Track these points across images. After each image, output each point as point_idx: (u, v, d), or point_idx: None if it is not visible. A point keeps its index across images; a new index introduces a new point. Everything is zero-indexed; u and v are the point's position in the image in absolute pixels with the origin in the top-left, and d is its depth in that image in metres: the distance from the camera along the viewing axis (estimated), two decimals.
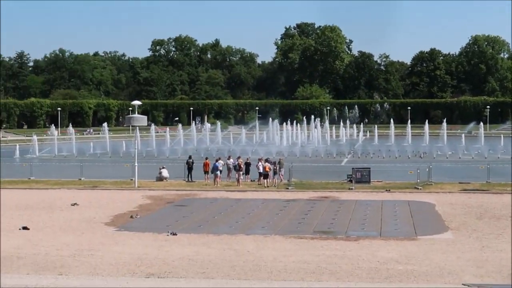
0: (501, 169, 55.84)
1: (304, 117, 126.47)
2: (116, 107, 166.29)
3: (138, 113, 50.89)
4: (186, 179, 48.19)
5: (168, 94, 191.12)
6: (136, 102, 51.42)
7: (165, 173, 48.22)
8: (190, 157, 50.26)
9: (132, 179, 45.44)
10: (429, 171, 45.48)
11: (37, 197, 39.44)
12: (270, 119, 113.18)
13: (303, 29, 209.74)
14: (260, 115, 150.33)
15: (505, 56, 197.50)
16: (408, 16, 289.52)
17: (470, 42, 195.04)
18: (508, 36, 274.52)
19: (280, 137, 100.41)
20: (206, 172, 47.15)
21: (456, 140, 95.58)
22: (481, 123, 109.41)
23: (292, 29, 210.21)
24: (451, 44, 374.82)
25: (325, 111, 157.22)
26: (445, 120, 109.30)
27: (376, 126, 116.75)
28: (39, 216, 31.81)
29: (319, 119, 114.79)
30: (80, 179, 47.81)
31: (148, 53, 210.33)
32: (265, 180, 44.86)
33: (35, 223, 29.63)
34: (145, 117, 48.78)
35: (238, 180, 45.60)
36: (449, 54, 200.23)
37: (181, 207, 35.51)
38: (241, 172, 45.94)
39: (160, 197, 39.53)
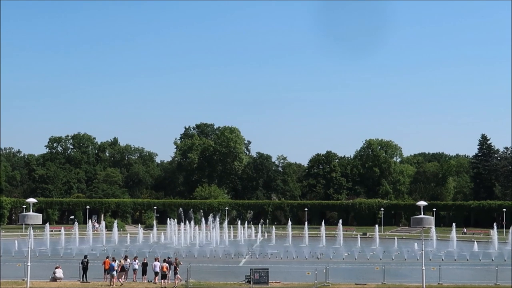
0: (395, 270, 57.12)
1: (203, 217, 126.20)
2: (10, 204, 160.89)
3: (32, 211, 49.54)
4: (81, 280, 46.99)
5: (64, 192, 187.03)
6: (31, 200, 50.08)
7: (59, 273, 46.92)
8: (85, 257, 49.25)
9: (24, 279, 43.95)
10: (326, 272, 46.02)
11: None
12: (168, 219, 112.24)
13: (203, 129, 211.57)
14: (158, 215, 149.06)
15: (398, 160, 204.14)
16: (305, 119, 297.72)
17: (364, 145, 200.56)
18: (400, 141, 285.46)
19: (178, 237, 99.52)
20: (105, 270, 46.41)
21: (352, 241, 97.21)
22: (376, 225, 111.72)
23: (192, 129, 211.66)
24: (346, 147, 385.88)
25: (224, 211, 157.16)
26: (340, 222, 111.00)
27: (273, 227, 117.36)
28: None
29: (217, 219, 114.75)
30: None
31: (45, 150, 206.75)
32: (163, 281, 44.27)
33: None
34: (40, 215, 47.49)
35: (119, 279, 45.31)
36: (344, 157, 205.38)
37: None
38: (123, 273, 45.73)
39: None
